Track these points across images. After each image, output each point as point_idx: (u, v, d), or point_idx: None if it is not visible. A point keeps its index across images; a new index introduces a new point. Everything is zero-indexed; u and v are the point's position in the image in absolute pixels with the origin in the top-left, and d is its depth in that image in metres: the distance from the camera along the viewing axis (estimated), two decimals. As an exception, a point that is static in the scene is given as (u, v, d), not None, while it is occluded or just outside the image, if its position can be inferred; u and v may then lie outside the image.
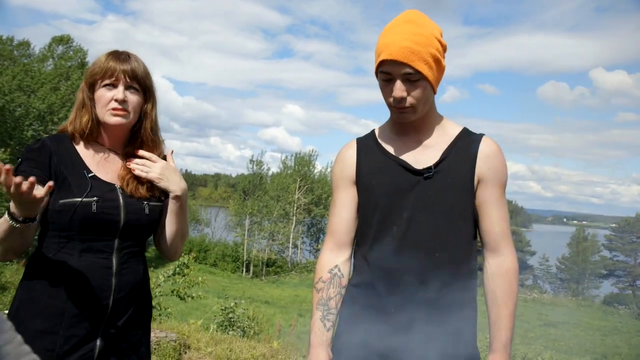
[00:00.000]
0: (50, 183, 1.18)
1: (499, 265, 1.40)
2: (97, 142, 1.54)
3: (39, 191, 1.19)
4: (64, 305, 1.39)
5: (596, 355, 18.18)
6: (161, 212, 1.57)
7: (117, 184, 1.51)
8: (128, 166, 1.52)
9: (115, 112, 1.47)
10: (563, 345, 18.19)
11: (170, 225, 1.57)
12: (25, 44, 30.61)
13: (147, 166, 1.54)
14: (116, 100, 1.47)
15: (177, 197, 1.55)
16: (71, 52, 29.73)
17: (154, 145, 1.59)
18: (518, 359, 8.92)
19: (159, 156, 1.59)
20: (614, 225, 52.74)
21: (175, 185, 1.55)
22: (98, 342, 1.43)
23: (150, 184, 1.55)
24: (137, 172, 1.52)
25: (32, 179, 1.16)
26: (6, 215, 1.31)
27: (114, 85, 1.48)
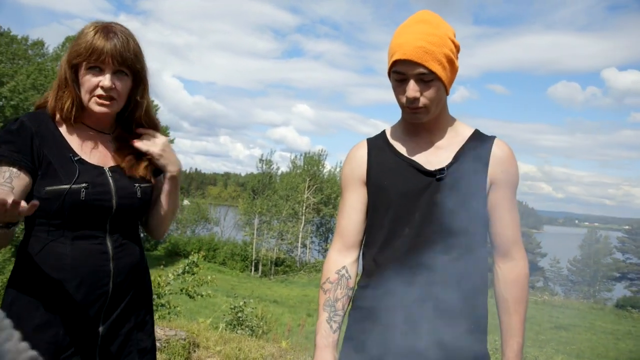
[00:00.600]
0: (36, 202, 1.11)
1: (510, 271, 1.39)
2: (81, 123, 1.43)
3: (24, 208, 1.10)
4: (62, 295, 1.33)
5: (609, 359, 17.98)
6: (152, 193, 1.51)
7: (106, 166, 1.42)
8: (134, 144, 1.47)
9: (100, 100, 1.36)
10: (575, 348, 18.01)
11: (164, 206, 1.53)
12: (40, 44, 30.98)
13: (150, 139, 1.49)
14: (102, 87, 1.35)
15: (173, 177, 1.51)
16: (84, 52, 30.04)
17: (153, 128, 1.53)
18: (528, 362, 8.84)
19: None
20: (626, 227, 52.14)
21: (173, 166, 1.51)
22: (100, 329, 1.38)
23: (145, 164, 1.49)
24: (137, 144, 1.46)
25: (16, 200, 1.07)
26: None
27: (100, 69, 1.36)
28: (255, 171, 43.21)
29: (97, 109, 1.38)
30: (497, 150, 1.40)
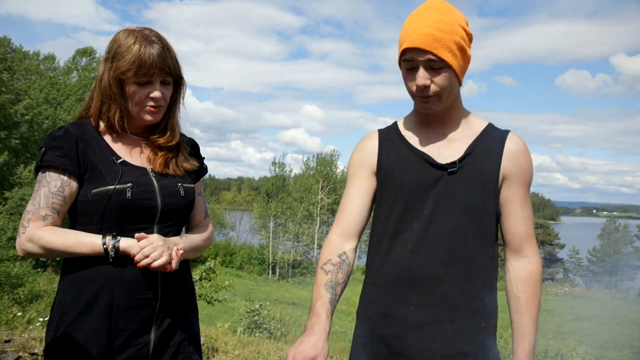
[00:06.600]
0: (174, 266, 1.35)
1: (522, 268, 1.36)
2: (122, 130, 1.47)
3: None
4: (110, 299, 1.33)
5: (634, 349, 17.66)
6: (194, 194, 1.52)
7: (148, 167, 1.45)
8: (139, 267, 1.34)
9: (151, 110, 1.41)
10: (598, 339, 17.73)
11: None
12: (51, 58, 31.48)
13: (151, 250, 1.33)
14: (153, 99, 1.40)
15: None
16: (94, 64, 30.42)
17: (175, 131, 1.52)
18: (552, 355, 8.73)
19: (174, 140, 1.51)
20: (646, 214, 51.19)
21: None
22: (152, 335, 1.38)
23: (182, 164, 1.50)
24: (142, 264, 1.32)
25: (179, 253, 1.39)
26: (100, 244, 1.30)
27: (148, 81, 1.39)
28: (268, 174, 43.51)
29: (148, 118, 1.42)
30: (511, 145, 1.37)
